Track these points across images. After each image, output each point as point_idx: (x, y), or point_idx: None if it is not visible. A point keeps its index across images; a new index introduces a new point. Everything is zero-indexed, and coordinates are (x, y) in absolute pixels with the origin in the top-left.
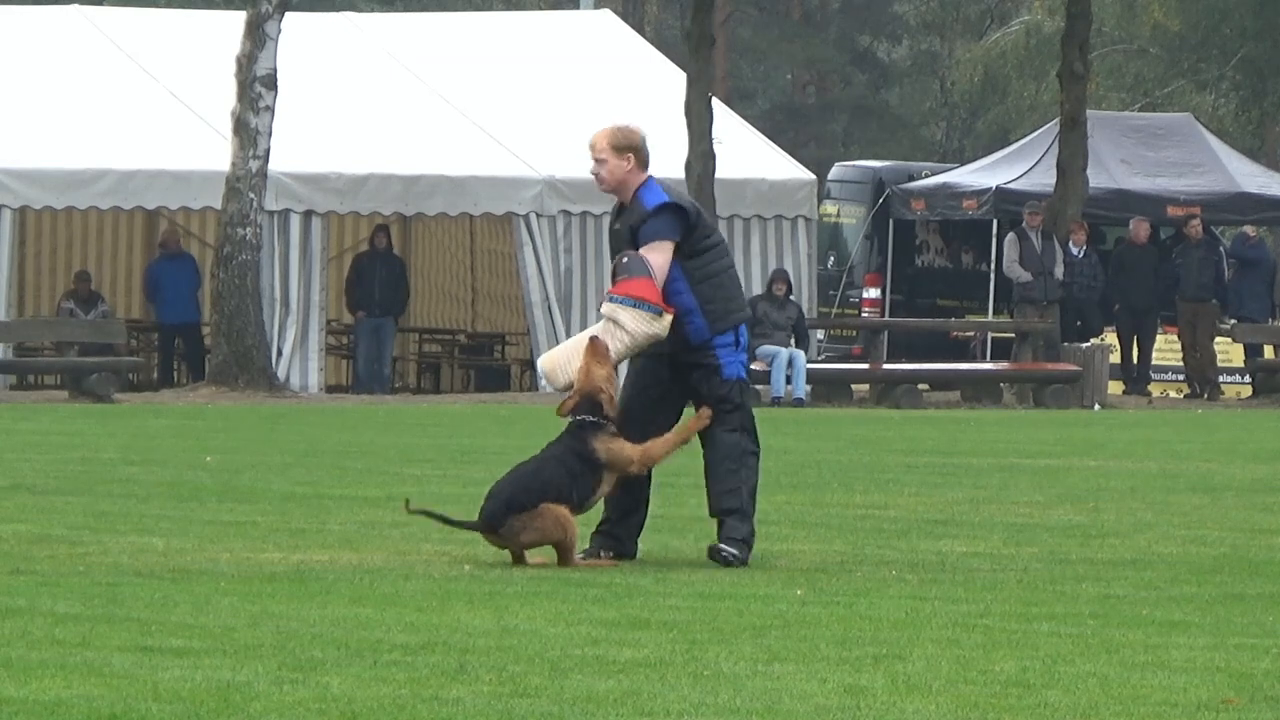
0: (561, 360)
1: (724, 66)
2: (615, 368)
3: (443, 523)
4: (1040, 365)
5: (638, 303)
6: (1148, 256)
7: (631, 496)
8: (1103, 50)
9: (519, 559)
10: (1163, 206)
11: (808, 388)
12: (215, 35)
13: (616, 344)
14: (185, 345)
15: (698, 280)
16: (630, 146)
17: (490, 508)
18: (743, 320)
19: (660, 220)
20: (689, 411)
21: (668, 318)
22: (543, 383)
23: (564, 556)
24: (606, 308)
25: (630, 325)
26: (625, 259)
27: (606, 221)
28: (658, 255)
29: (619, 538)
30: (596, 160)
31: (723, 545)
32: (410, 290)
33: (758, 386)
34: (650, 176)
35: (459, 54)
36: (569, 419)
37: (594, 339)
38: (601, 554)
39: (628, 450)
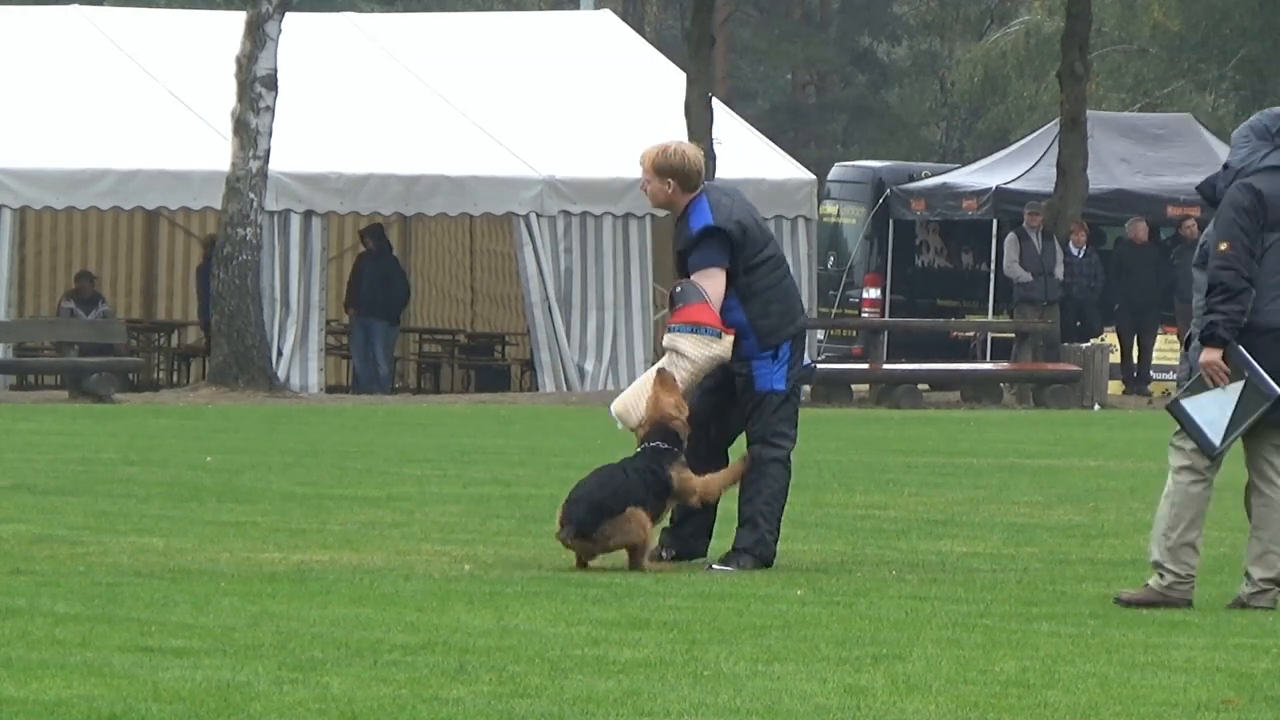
0: (631, 400)
1: (724, 66)
2: (685, 396)
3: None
4: (1040, 365)
5: (695, 328)
6: (1148, 256)
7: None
8: (1103, 50)
9: (582, 564)
10: (1163, 206)
11: (806, 388)
12: (215, 35)
13: (681, 372)
14: None
15: (747, 297)
16: (670, 170)
17: (581, 514)
18: (789, 337)
19: (704, 250)
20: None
21: (728, 339)
22: (617, 424)
23: (638, 558)
24: (667, 339)
25: (691, 351)
26: (679, 288)
27: (607, 221)
28: (710, 283)
29: (682, 537)
30: (644, 177)
31: (714, 565)
32: (410, 291)
33: None
34: (703, 192)
35: (459, 54)
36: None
37: (660, 371)
38: (664, 554)
39: (694, 482)
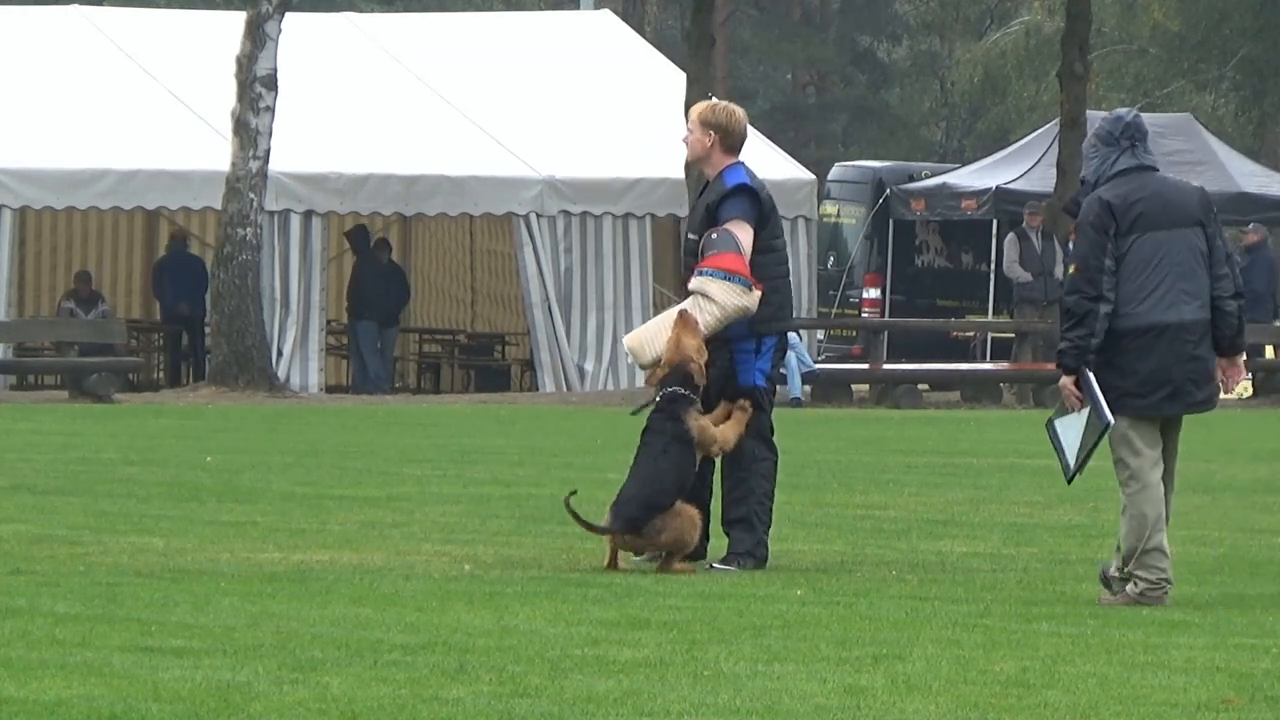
0: (648, 336)
1: (724, 66)
2: (705, 341)
3: (585, 527)
4: (1040, 365)
5: (728, 275)
6: None
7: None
8: (1103, 50)
9: (614, 564)
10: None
11: (806, 388)
12: (215, 35)
13: (706, 316)
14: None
15: (755, 278)
16: (716, 124)
17: (633, 511)
18: (778, 331)
19: (738, 202)
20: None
21: (757, 293)
22: (629, 361)
23: (671, 561)
24: (695, 281)
25: (721, 297)
26: (714, 234)
27: (607, 221)
28: (742, 234)
29: None
30: (688, 129)
31: (715, 564)
32: (409, 291)
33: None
34: (741, 163)
35: (459, 54)
36: (657, 394)
37: (683, 312)
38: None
39: (713, 432)
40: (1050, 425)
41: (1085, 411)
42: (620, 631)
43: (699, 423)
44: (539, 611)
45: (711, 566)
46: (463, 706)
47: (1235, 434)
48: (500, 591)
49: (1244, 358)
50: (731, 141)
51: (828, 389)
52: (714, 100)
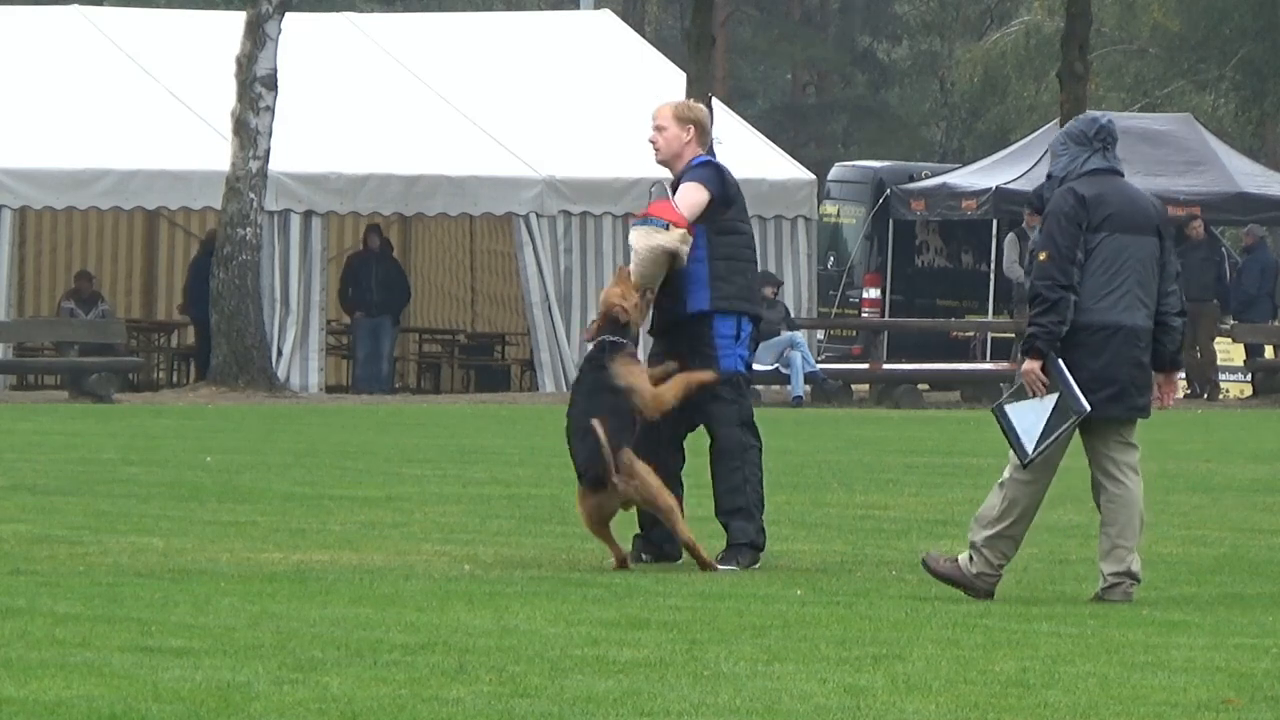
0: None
1: (724, 66)
2: (641, 291)
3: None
4: None
5: (644, 220)
6: None
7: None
8: (1103, 50)
9: (622, 562)
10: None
11: (807, 387)
12: (215, 35)
13: (633, 265)
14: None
15: (719, 255)
16: (693, 119)
17: (595, 468)
18: (749, 314)
19: (700, 170)
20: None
21: (677, 231)
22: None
23: (677, 527)
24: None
25: (635, 242)
26: (650, 189)
27: (607, 221)
28: (689, 192)
29: (657, 542)
30: (656, 129)
31: (720, 564)
32: (410, 290)
33: (774, 387)
34: (710, 155)
35: (459, 54)
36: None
37: (620, 267)
38: (644, 557)
39: (644, 386)
40: (1000, 410)
41: (1047, 398)
42: (620, 631)
43: (626, 367)
44: (539, 611)
45: (715, 568)
46: (463, 706)
47: (1235, 434)
48: (500, 591)
49: (1181, 374)
50: (706, 137)
51: (828, 389)
52: (684, 99)
